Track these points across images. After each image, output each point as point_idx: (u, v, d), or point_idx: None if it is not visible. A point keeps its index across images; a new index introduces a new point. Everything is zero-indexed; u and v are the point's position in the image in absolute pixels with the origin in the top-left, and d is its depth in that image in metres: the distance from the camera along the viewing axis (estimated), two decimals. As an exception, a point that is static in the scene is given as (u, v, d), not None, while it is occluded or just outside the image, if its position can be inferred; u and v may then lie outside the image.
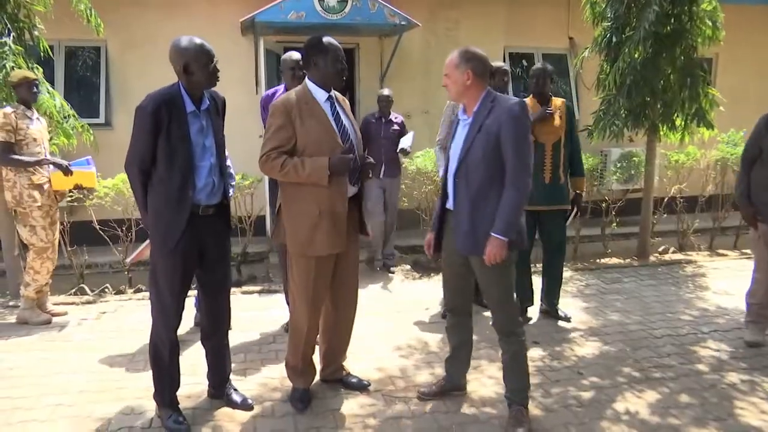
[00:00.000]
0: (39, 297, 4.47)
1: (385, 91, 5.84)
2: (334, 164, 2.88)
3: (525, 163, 2.75)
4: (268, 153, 2.93)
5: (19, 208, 4.30)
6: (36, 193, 4.28)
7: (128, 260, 3.08)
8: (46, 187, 4.33)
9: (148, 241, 2.95)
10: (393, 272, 5.81)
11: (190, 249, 2.85)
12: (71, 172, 4.31)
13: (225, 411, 3.14)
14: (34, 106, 4.54)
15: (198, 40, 2.77)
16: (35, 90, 4.34)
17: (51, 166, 4.31)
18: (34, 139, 4.27)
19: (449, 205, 2.97)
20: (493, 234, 2.72)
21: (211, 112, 2.91)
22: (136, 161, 2.76)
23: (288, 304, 4.26)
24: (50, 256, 4.42)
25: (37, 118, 4.40)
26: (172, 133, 2.72)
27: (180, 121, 2.74)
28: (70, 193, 5.27)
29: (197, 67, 2.74)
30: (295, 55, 3.87)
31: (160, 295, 2.87)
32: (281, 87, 4.14)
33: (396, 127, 5.74)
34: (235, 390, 3.23)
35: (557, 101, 4.26)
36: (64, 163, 4.31)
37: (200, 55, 2.74)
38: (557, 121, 4.18)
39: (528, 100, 4.22)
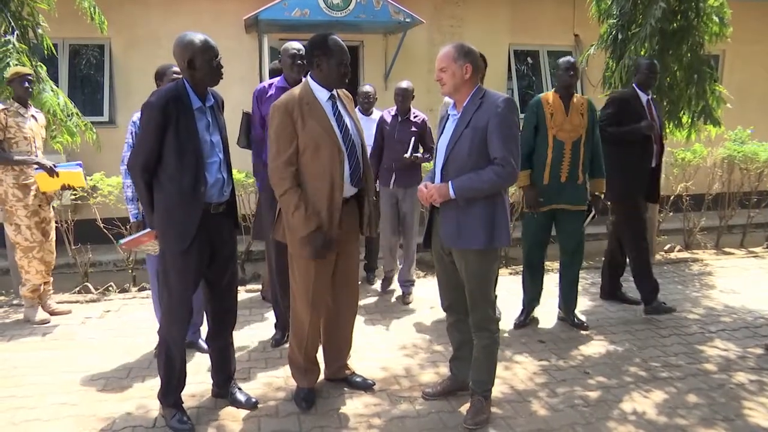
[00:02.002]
0: (36, 296, 4.46)
1: (403, 84, 4.76)
2: (308, 238, 2.90)
3: (512, 155, 2.74)
4: (282, 170, 2.91)
5: (5, 206, 4.29)
6: (20, 193, 4.25)
7: (121, 242, 2.99)
8: (33, 187, 4.29)
9: (146, 231, 2.90)
10: (409, 302, 4.85)
11: (203, 248, 2.84)
12: (56, 174, 4.21)
13: (229, 410, 3.13)
14: (34, 103, 4.52)
15: (202, 36, 2.76)
16: (27, 85, 4.26)
17: (36, 167, 4.22)
18: (25, 138, 4.23)
19: None
20: (449, 182, 2.79)
21: (215, 109, 2.91)
22: (141, 159, 2.73)
23: (270, 300, 4.28)
24: (36, 255, 4.37)
25: (32, 116, 4.35)
26: (181, 128, 2.71)
27: (188, 117, 2.73)
28: (74, 193, 5.27)
29: (201, 62, 2.73)
30: (296, 45, 3.83)
31: (172, 296, 2.85)
32: (275, 80, 4.01)
33: (414, 128, 4.71)
34: (240, 389, 3.22)
35: (579, 98, 4.11)
36: (49, 164, 4.22)
37: (204, 50, 2.73)
38: (578, 118, 4.03)
39: (550, 95, 4.11)
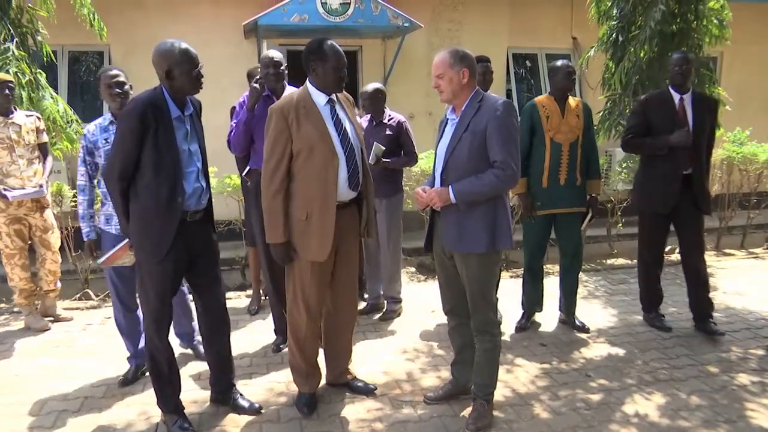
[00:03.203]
0: (29, 302, 4.46)
1: (368, 87, 4.45)
2: (274, 248, 2.99)
3: (512, 157, 2.74)
4: (271, 173, 2.92)
5: None
6: (2, 204, 4.22)
7: (99, 261, 2.96)
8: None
9: (123, 243, 2.88)
10: (388, 318, 4.57)
11: (179, 255, 2.81)
12: (5, 197, 4.12)
13: (230, 416, 3.12)
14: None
15: (182, 45, 2.69)
16: (8, 92, 4.17)
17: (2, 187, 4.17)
18: (2, 148, 4.16)
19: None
20: (450, 186, 2.78)
21: (194, 118, 2.88)
22: (118, 167, 2.68)
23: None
24: (18, 262, 4.36)
25: (12, 123, 4.22)
26: (159, 138, 2.67)
27: (166, 127, 2.69)
28: (74, 199, 5.27)
29: (180, 72, 2.68)
30: (273, 54, 3.76)
31: (150, 305, 2.84)
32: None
33: (389, 131, 4.40)
34: (241, 395, 3.21)
35: (574, 100, 4.09)
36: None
37: (183, 61, 2.67)
38: (574, 120, 4.01)
39: (544, 98, 4.11)
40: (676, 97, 4.01)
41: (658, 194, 4.08)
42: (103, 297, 5.18)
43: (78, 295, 5.23)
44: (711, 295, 5.12)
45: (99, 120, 3.46)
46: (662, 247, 4.26)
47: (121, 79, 3.38)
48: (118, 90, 3.36)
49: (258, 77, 3.73)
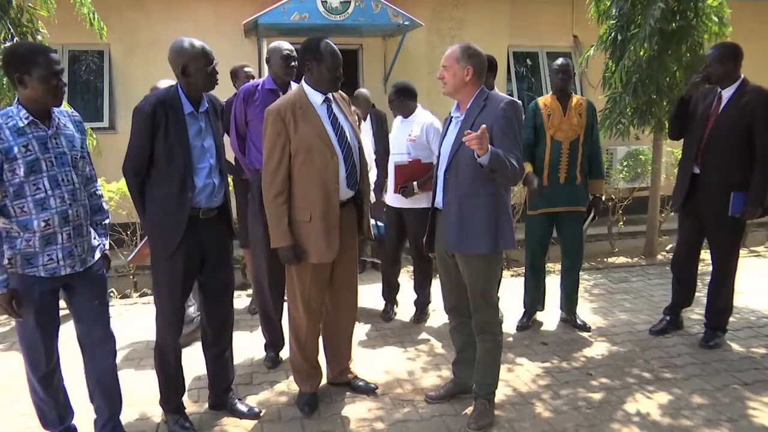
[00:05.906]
0: None
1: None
2: (281, 251, 2.96)
3: (515, 157, 2.71)
4: (271, 175, 2.92)
5: None
6: None
7: (128, 259, 3.02)
8: None
9: (145, 240, 2.93)
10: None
11: (191, 253, 2.82)
12: None
13: (231, 416, 3.12)
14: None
15: (197, 43, 2.75)
16: None
17: None
18: None
19: (438, 203, 2.96)
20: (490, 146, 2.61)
21: (209, 115, 2.89)
22: (132, 163, 2.75)
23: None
24: None
25: None
26: (170, 133, 2.70)
27: (178, 122, 2.73)
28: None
29: (195, 69, 2.72)
30: (287, 45, 3.70)
31: (162, 300, 2.85)
32: (261, 80, 3.79)
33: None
34: (240, 399, 3.19)
35: (577, 99, 4.10)
36: None
37: (198, 57, 2.72)
38: (576, 118, 4.01)
39: (548, 98, 4.11)
40: (719, 91, 3.88)
41: (678, 196, 3.98)
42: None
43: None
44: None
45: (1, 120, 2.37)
46: (686, 247, 4.04)
47: (62, 67, 2.55)
48: (62, 83, 2.52)
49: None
